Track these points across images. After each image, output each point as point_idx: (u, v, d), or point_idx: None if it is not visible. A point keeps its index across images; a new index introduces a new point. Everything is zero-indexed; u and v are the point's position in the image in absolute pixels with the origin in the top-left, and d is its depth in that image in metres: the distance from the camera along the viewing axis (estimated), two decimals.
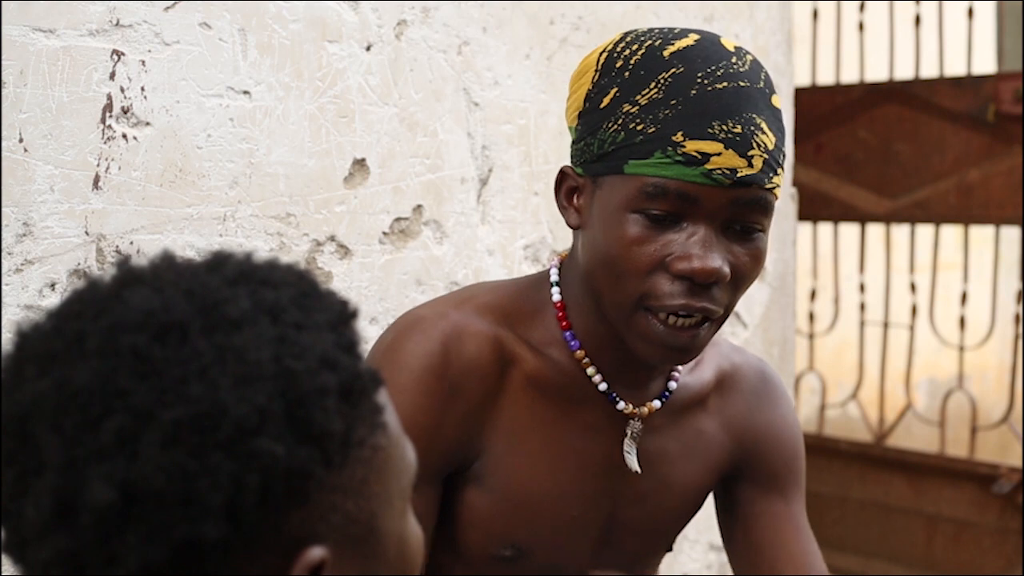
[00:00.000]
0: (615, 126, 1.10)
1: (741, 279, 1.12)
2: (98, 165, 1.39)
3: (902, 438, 3.80)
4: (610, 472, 1.22)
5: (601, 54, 1.14)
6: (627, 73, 1.10)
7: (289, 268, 0.71)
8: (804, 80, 3.73)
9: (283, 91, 1.57)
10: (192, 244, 1.48)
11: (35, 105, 1.33)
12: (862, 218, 3.62)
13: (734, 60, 1.09)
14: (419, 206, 1.74)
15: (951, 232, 3.95)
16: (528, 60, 1.89)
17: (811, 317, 3.88)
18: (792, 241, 2.56)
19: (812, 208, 3.56)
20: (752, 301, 2.41)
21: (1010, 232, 3.97)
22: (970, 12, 3.49)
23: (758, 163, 1.07)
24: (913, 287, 3.62)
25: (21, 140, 1.32)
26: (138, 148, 1.43)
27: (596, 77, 1.13)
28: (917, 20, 3.57)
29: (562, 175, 1.18)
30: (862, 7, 3.66)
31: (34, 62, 1.33)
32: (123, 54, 1.40)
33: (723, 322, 1.14)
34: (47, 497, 0.61)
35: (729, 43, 1.12)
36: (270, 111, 1.56)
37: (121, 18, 1.40)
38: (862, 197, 3.57)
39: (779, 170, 1.10)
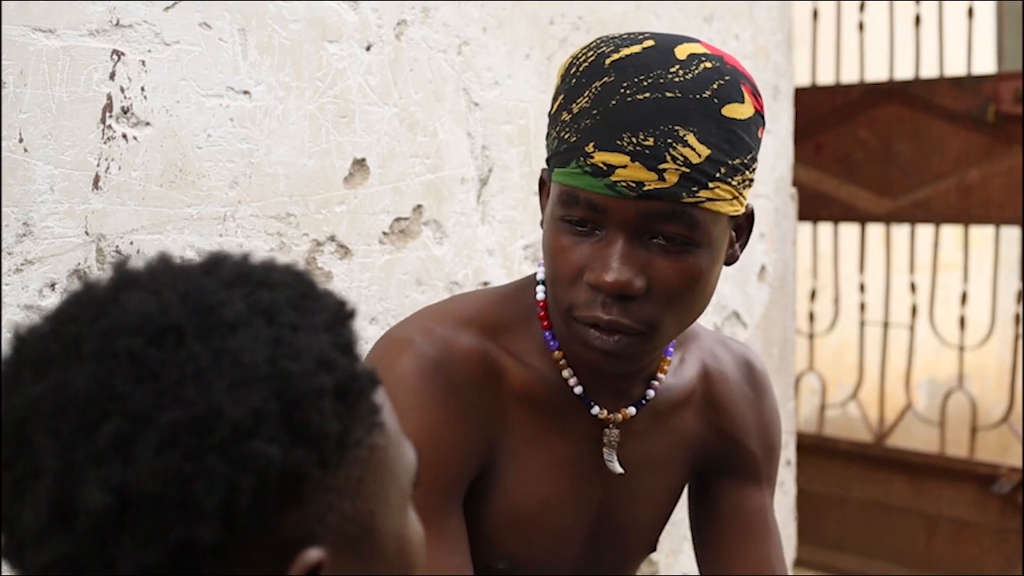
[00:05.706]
0: (554, 133, 1.11)
1: (669, 295, 1.08)
2: (98, 165, 1.39)
3: (902, 438, 3.81)
4: (598, 478, 1.22)
5: (571, 57, 1.14)
6: (573, 80, 1.10)
7: (286, 269, 0.71)
8: (804, 80, 3.73)
9: (283, 91, 1.57)
10: (192, 244, 1.48)
11: (35, 105, 1.33)
12: (862, 218, 3.63)
13: (675, 69, 1.05)
14: (419, 206, 1.74)
15: (951, 232, 3.95)
16: (528, 60, 1.90)
17: (811, 317, 3.88)
18: (792, 241, 2.56)
19: (812, 208, 3.57)
20: (752, 301, 2.41)
21: (1010, 232, 3.97)
22: (970, 12, 3.49)
23: (672, 177, 1.04)
24: (913, 287, 3.62)
25: (21, 140, 1.32)
26: (138, 148, 1.43)
27: (559, 82, 1.13)
28: (917, 20, 3.57)
29: (541, 177, 1.20)
30: (862, 7, 3.67)
31: (34, 62, 1.33)
32: (123, 54, 1.40)
33: (657, 338, 1.10)
34: (44, 502, 0.61)
35: (688, 49, 1.07)
36: (270, 111, 1.56)
37: (121, 18, 1.40)
38: (862, 197, 3.57)
39: (711, 184, 1.05)
